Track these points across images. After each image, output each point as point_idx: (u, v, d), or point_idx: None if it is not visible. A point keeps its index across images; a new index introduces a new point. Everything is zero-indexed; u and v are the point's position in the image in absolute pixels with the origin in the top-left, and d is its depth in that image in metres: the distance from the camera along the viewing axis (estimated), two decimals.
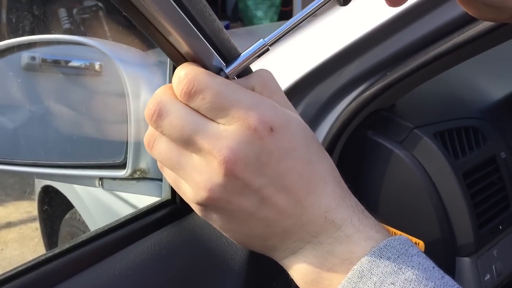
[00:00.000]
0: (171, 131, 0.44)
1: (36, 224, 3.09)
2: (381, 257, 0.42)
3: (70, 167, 0.71)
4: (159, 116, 0.44)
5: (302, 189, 0.45)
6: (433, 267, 0.44)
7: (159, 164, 0.49)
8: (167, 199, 0.64)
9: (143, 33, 0.48)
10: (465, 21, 0.71)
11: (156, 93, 0.46)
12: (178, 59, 0.50)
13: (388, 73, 0.80)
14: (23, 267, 0.50)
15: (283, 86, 0.86)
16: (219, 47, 0.53)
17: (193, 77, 0.45)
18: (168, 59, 0.54)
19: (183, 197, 0.48)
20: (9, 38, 0.70)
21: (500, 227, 0.88)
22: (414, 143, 0.85)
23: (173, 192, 0.64)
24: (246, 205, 0.44)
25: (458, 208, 0.84)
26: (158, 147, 0.46)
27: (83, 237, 0.55)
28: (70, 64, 0.76)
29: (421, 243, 0.87)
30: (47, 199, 1.71)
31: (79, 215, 1.54)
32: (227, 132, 0.43)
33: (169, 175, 0.48)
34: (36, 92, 0.73)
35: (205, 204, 0.45)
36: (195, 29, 0.48)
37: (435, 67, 0.77)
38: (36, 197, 1.86)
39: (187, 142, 0.44)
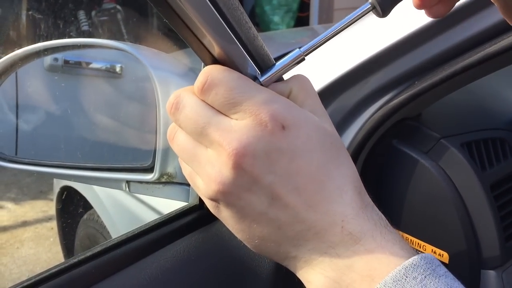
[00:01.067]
0: (187, 124, 0.46)
1: (52, 224, 3.12)
2: (406, 277, 0.40)
3: (98, 170, 0.71)
4: (176, 109, 0.46)
5: (315, 194, 0.44)
6: None
7: (180, 160, 0.49)
8: (195, 204, 0.64)
9: (159, 35, 0.48)
10: (497, 31, 0.70)
11: (179, 89, 0.48)
12: (211, 63, 0.50)
13: (416, 82, 0.80)
14: (56, 269, 0.50)
15: None
16: (254, 54, 0.53)
17: (207, 73, 0.46)
18: (202, 64, 0.54)
19: (197, 192, 0.48)
20: (29, 39, 0.71)
21: None
22: (441, 153, 0.85)
23: (200, 199, 0.63)
24: (256, 202, 0.44)
25: (485, 220, 0.82)
26: (177, 139, 0.48)
27: (114, 240, 0.55)
28: (91, 66, 0.76)
29: (446, 255, 0.86)
30: (66, 199, 1.73)
31: (97, 216, 1.55)
32: (238, 126, 0.43)
33: (185, 168, 0.49)
34: (68, 95, 0.74)
35: (216, 198, 0.45)
36: (231, 34, 0.48)
37: (464, 78, 0.76)
38: (54, 197, 1.87)
39: (200, 135, 0.45)
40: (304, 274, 0.45)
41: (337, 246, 0.43)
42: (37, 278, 0.48)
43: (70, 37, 5.92)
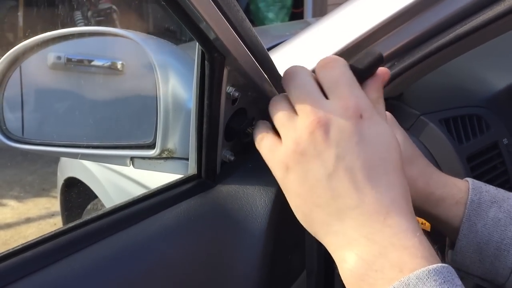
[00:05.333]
0: (293, 92, 0.55)
1: (55, 220, 3.18)
2: (428, 278, 0.44)
3: (104, 148, 0.78)
4: (290, 78, 0.56)
5: (370, 179, 0.50)
6: None
7: (256, 143, 0.59)
8: (193, 174, 0.70)
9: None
10: (467, 13, 0.77)
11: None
12: (208, 45, 0.57)
13: (396, 63, 0.86)
14: (66, 227, 0.56)
15: None
16: (243, 35, 0.60)
17: (334, 57, 0.56)
18: (196, 48, 0.61)
19: (270, 158, 0.56)
20: (24, 39, 0.77)
21: None
22: (421, 129, 0.91)
23: (199, 167, 0.70)
24: (320, 169, 0.51)
25: None
26: (278, 103, 0.57)
27: (118, 204, 0.62)
28: (93, 63, 0.83)
29: (428, 224, 0.92)
30: (70, 190, 1.79)
31: (101, 205, 1.62)
32: (328, 105, 0.52)
33: (260, 136, 0.59)
34: (72, 81, 0.80)
35: (288, 160, 0.53)
36: (223, 17, 0.55)
37: (439, 57, 0.82)
38: (59, 189, 1.93)
39: (299, 102, 0.54)
40: (339, 252, 0.50)
41: (377, 233, 0.48)
42: (30, 242, 0.54)
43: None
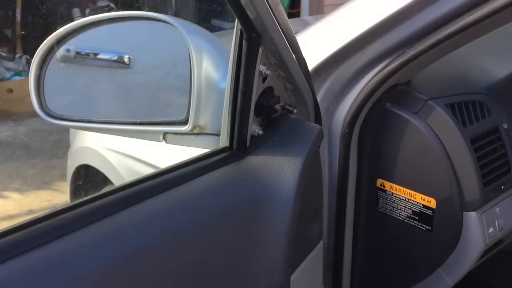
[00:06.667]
0: None
1: None
2: None
3: (140, 124, 0.84)
4: None
5: None
6: None
7: None
8: (225, 146, 0.77)
9: None
10: (475, 3, 0.84)
11: None
12: (248, 25, 0.64)
13: (406, 50, 0.93)
14: (120, 186, 0.62)
15: (313, 63, 0.99)
16: (277, 17, 0.67)
17: None
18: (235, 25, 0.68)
19: None
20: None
21: (502, 187, 1.01)
22: (428, 113, 0.98)
23: (231, 140, 0.76)
24: None
25: (466, 169, 0.96)
26: None
27: (157, 171, 0.68)
28: (100, 56, 0.89)
29: (433, 201, 1.00)
30: (82, 178, 1.84)
31: None
32: None
33: None
34: (109, 63, 0.86)
35: None
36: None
37: (448, 45, 0.89)
38: (68, 178, 1.99)
39: None
40: None
41: None
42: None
43: None
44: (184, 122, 0.82)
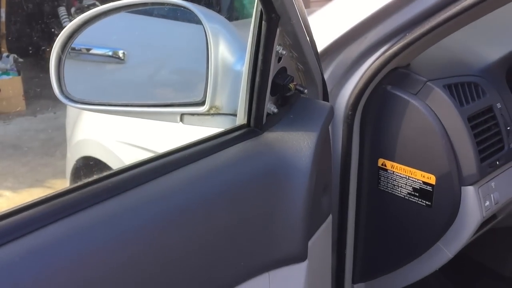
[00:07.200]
0: None
1: None
2: None
3: (158, 106, 0.88)
4: None
5: None
6: None
7: None
8: (243, 123, 0.82)
9: None
10: None
11: None
12: (269, 6, 0.69)
13: (407, 34, 0.99)
14: (135, 163, 0.67)
15: (319, 48, 1.04)
16: None
17: None
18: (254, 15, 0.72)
19: None
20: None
21: (497, 162, 1.07)
22: (427, 93, 1.04)
23: (248, 118, 0.81)
24: None
25: (464, 146, 1.02)
26: None
27: (178, 147, 0.72)
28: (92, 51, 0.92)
29: (433, 177, 1.05)
30: (82, 170, 1.87)
31: None
32: None
33: None
34: (129, 47, 0.90)
35: None
36: None
37: (446, 28, 0.95)
38: (69, 170, 2.02)
39: None
40: None
41: None
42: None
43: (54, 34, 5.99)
44: (201, 103, 0.87)
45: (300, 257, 0.75)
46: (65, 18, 5.94)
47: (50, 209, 0.54)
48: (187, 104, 0.89)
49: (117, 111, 0.92)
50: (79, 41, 0.88)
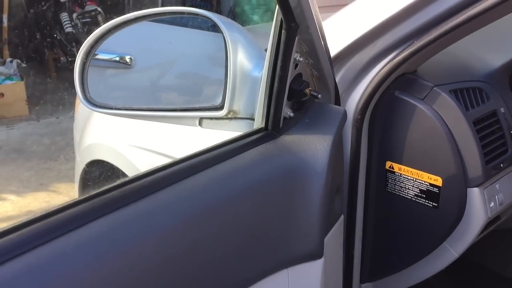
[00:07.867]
0: None
1: None
2: None
3: (178, 111, 0.92)
4: None
5: None
6: None
7: None
8: (261, 127, 0.86)
9: None
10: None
11: None
12: (289, 15, 0.73)
13: (415, 41, 1.03)
14: (152, 169, 0.71)
15: (331, 54, 1.08)
16: (311, 7, 0.76)
17: None
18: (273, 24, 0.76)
19: None
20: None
21: (501, 165, 1.11)
22: (434, 98, 1.08)
23: (266, 121, 0.85)
24: None
25: (469, 148, 1.06)
26: None
27: (195, 152, 0.76)
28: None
29: (439, 179, 1.09)
30: (93, 172, 1.91)
31: None
32: None
33: None
34: (151, 55, 0.94)
35: None
36: None
37: (453, 36, 0.99)
38: (78, 174, 2.05)
39: None
40: None
41: None
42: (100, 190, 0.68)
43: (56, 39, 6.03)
44: (220, 108, 0.91)
45: (317, 254, 0.79)
46: (67, 23, 5.99)
47: (91, 206, 0.58)
48: (206, 108, 0.92)
49: (138, 115, 0.95)
50: (103, 49, 0.92)
